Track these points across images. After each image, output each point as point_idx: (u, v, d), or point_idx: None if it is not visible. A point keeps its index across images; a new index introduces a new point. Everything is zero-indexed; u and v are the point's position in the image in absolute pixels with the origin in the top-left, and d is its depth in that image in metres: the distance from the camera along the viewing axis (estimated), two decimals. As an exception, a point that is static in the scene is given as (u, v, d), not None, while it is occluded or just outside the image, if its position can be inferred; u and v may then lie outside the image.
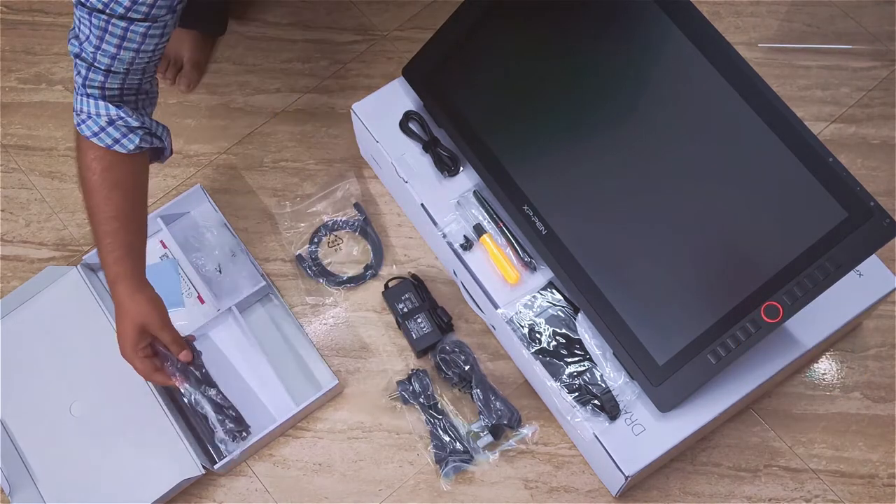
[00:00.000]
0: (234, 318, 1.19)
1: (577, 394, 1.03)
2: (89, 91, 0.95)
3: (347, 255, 1.27)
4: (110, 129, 0.95)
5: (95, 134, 0.95)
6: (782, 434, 1.14)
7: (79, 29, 0.92)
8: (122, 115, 0.95)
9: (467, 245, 1.13)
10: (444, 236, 1.14)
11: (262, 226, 1.29)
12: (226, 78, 1.41)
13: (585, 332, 1.05)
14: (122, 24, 0.89)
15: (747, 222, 0.96)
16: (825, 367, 1.18)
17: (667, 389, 0.98)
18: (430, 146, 1.17)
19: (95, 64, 0.93)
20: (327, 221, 1.28)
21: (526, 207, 1.07)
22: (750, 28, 1.41)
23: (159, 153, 1.05)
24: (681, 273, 0.99)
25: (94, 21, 0.89)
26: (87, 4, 0.89)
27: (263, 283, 1.20)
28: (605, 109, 1.04)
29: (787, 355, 1.03)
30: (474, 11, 1.10)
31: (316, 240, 1.27)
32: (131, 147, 0.97)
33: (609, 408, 1.01)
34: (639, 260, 1.00)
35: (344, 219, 1.28)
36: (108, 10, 0.88)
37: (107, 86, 0.95)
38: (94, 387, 1.16)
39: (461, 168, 1.15)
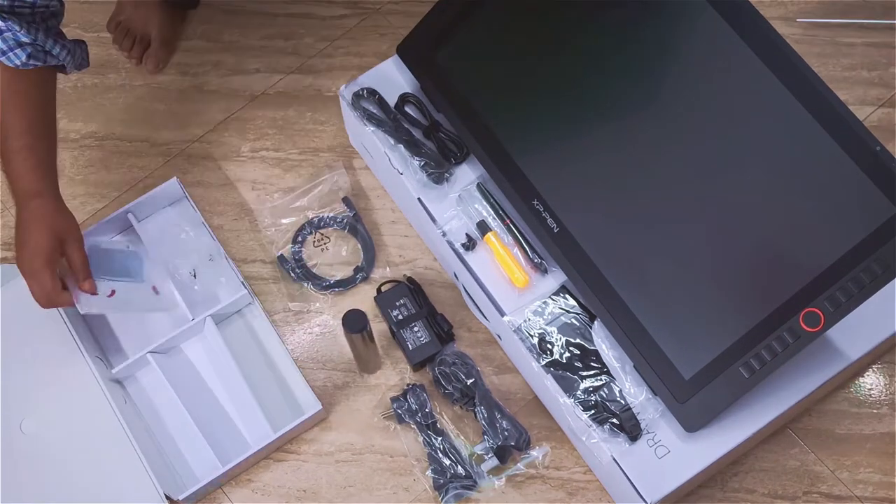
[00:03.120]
0: (209, 329, 1.19)
1: (593, 411, 1.03)
2: None
3: (335, 255, 1.27)
4: None
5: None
6: (824, 457, 1.14)
7: None
8: (10, 27, 1.00)
9: (470, 244, 1.13)
10: (444, 235, 1.14)
11: (240, 223, 1.29)
12: (199, 57, 1.41)
13: (602, 342, 1.05)
14: None
15: (784, 219, 0.96)
16: (872, 382, 1.18)
17: (694, 407, 0.98)
18: (431, 131, 1.17)
19: None
20: (313, 218, 1.28)
21: (536, 202, 1.07)
22: (788, 1, 1.41)
23: (62, 69, 1.10)
24: (710, 276, 0.99)
25: None
26: None
27: (244, 291, 1.20)
28: (624, 93, 1.04)
29: (829, 368, 1.03)
30: (478, -18, 1.11)
31: (300, 239, 1.27)
32: (18, 62, 1.01)
33: (629, 427, 1.02)
34: (663, 261, 1.01)
35: (331, 215, 1.28)
36: None
37: None
38: (47, 402, 1.16)
39: (469, 153, 1.15)
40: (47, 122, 1.08)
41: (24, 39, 1.01)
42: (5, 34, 1.00)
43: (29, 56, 1.02)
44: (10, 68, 1.02)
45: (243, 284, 1.20)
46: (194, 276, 1.23)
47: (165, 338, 1.17)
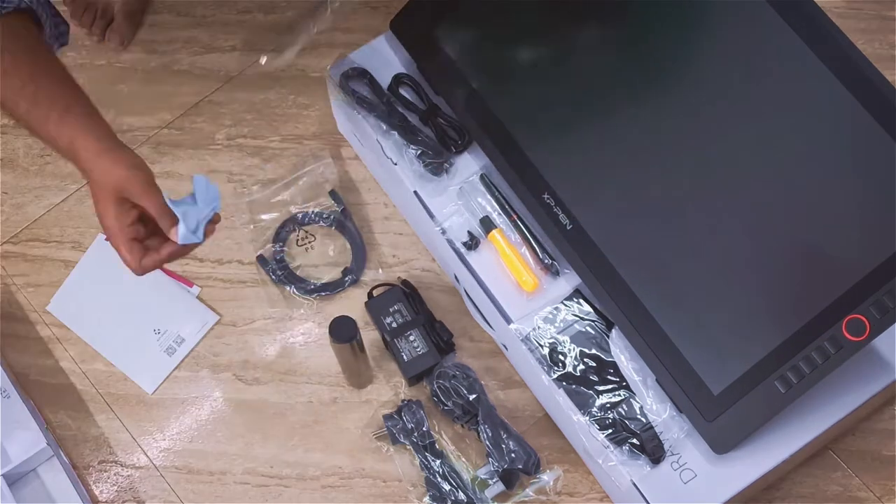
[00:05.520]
0: (2, 494, 1.10)
1: (610, 431, 1.04)
2: None
3: (321, 255, 1.27)
4: None
5: None
6: (869, 482, 1.14)
7: None
8: None
9: (472, 243, 1.13)
10: (444, 232, 1.14)
11: (214, 219, 1.30)
12: (168, 33, 1.41)
13: (621, 353, 1.05)
14: None
15: (824, 216, 0.96)
16: (923, 398, 1.18)
17: (724, 426, 0.98)
18: (428, 116, 1.17)
19: None
20: (296, 214, 1.28)
21: (546, 196, 1.07)
22: (828, -30, 1.42)
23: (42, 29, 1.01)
24: (742, 279, 0.99)
25: None
26: None
27: (44, 443, 1.12)
28: (647, 72, 1.05)
29: (876, 382, 1.04)
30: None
31: (282, 237, 1.27)
32: None
33: (651, 448, 1.02)
34: (689, 262, 1.01)
35: (317, 210, 1.28)
36: None
37: None
38: None
39: (471, 141, 1.16)
40: (58, 68, 0.97)
41: None
42: None
43: None
44: None
45: (43, 431, 1.14)
46: None
47: None
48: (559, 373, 1.06)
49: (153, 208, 0.92)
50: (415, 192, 1.16)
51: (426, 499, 1.13)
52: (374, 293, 1.22)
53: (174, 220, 0.94)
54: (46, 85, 0.94)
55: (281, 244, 1.27)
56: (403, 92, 1.19)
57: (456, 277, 1.20)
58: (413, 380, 1.18)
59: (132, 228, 0.93)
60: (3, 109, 0.95)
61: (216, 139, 1.34)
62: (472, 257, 1.13)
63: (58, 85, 0.95)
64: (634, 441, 1.03)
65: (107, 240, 0.95)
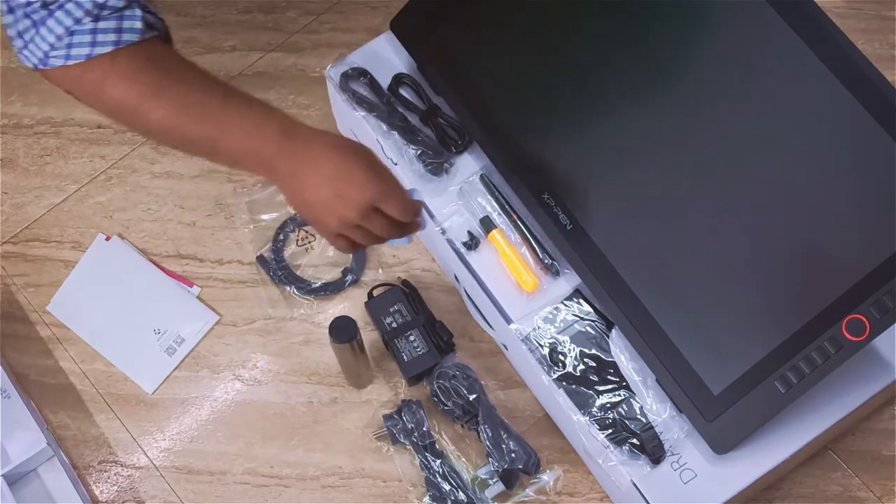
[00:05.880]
0: (2, 494, 1.09)
1: (610, 431, 1.04)
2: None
3: (322, 256, 1.27)
4: (102, 25, 0.85)
5: (93, 44, 0.85)
6: (869, 482, 1.14)
7: None
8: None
9: (472, 243, 1.13)
10: (444, 232, 1.14)
11: (215, 219, 1.29)
12: (168, 33, 1.41)
13: (621, 353, 1.06)
14: None
15: (824, 216, 0.96)
16: (923, 398, 1.18)
17: (724, 426, 0.98)
18: (428, 116, 1.17)
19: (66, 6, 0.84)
20: (296, 214, 1.28)
21: (546, 196, 1.07)
22: (829, -30, 1.41)
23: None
24: (742, 279, 0.99)
25: None
26: None
27: (44, 443, 1.12)
28: (647, 72, 1.05)
29: (876, 383, 1.04)
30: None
31: (282, 237, 1.27)
32: (139, 25, 0.87)
33: (651, 448, 1.02)
34: (689, 262, 1.01)
35: (317, 210, 1.28)
36: None
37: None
38: None
39: (471, 141, 1.16)
40: (207, 76, 0.95)
41: (121, 4, 0.86)
42: (103, 13, 0.85)
43: (144, 13, 0.87)
44: (129, 54, 0.87)
45: (44, 431, 1.14)
46: None
47: None
48: (559, 373, 1.06)
49: (392, 173, 0.92)
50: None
51: (426, 499, 1.13)
52: (374, 293, 1.22)
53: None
54: (230, 86, 0.92)
55: (281, 244, 1.27)
56: (403, 92, 1.19)
57: (456, 277, 1.20)
58: (413, 380, 1.18)
59: None
60: (176, 119, 0.91)
61: (216, 139, 1.34)
62: (472, 257, 1.13)
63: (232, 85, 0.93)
64: (634, 441, 1.03)
65: (374, 204, 0.89)
